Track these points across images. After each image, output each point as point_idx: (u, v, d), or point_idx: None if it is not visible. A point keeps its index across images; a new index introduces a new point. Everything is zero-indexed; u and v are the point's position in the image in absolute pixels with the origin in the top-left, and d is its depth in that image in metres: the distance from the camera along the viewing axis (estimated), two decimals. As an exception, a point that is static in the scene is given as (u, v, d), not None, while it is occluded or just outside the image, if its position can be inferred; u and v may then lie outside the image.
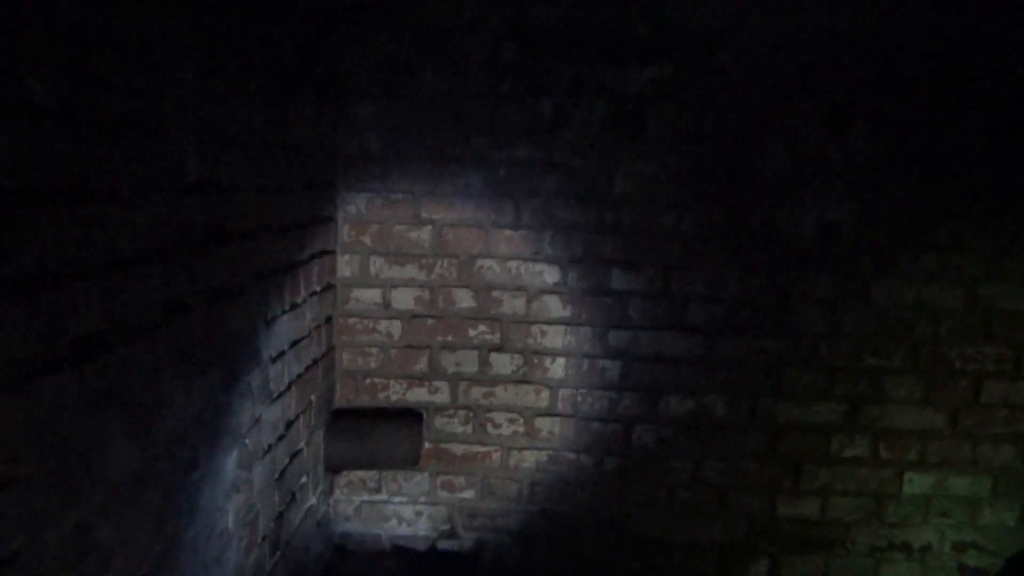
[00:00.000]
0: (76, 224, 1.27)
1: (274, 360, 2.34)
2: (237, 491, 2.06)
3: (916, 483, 3.18)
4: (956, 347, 3.11)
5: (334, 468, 3.05)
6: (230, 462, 2.00)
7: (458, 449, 3.21)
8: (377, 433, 3.04)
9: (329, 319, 3.01)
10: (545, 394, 3.17)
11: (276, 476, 2.41)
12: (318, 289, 2.83)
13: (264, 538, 2.32)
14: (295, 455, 2.61)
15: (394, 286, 3.12)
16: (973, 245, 3.06)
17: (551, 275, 3.10)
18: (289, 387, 2.50)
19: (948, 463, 3.16)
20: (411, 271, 3.11)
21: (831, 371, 3.14)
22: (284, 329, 2.43)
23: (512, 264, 3.10)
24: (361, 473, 3.22)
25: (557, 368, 3.15)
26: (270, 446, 2.33)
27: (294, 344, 2.54)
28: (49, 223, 1.20)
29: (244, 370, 2.08)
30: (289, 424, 2.52)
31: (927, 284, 3.08)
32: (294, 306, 2.53)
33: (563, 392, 3.17)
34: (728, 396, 3.16)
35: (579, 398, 3.17)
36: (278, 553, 2.45)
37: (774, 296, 3.10)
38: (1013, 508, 3.17)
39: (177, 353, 1.65)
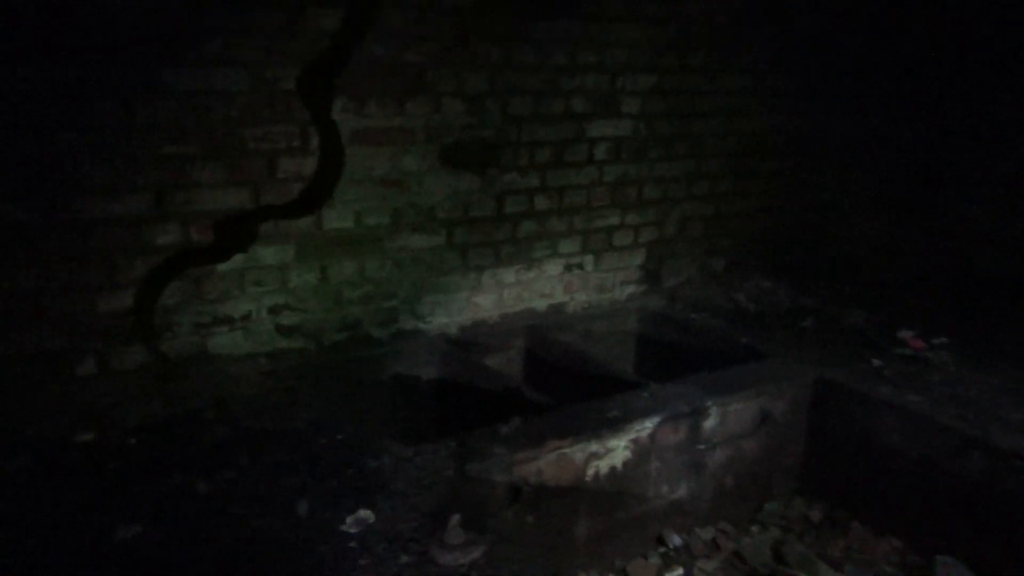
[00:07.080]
0: None
1: None
2: None
3: (230, 259, 3.42)
4: (249, 129, 3.33)
5: None
6: None
7: None
8: None
9: None
10: None
11: None
12: None
13: None
14: None
15: None
16: (258, 27, 3.24)
17: None
18: None
19: (254, 236, 3.44)
20: None
21: (134, 162, 3.13)
22: None
23: None
24: None
25: None
26: None
27: None
28: None
29: None
30: None
31: (215, 69, 3.20)
32: None
33: None
34: (23, 197, 2.97)
35: None
36: None
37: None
38: (313, 268, 3.61)
39: None
